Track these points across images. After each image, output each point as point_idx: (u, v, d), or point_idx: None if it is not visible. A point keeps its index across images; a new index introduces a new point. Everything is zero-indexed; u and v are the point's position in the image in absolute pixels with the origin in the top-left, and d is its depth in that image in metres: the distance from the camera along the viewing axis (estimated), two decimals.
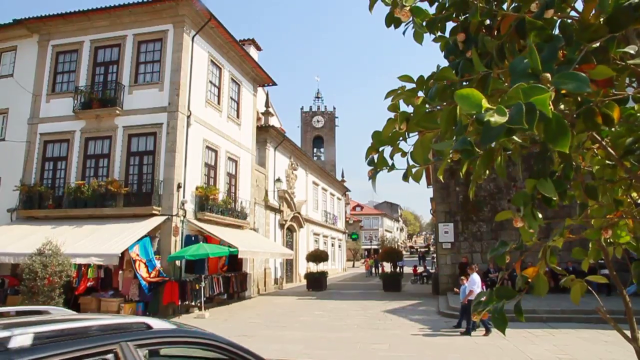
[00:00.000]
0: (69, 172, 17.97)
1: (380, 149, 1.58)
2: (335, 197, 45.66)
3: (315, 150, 63.24)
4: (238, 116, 22.79)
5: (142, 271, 15.28)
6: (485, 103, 1.09)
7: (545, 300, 14.43)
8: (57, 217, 17.24)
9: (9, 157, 18.61)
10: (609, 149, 1.64)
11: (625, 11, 1.32)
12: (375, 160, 1.58)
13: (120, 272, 15.94)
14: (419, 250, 77.64)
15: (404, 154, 1.54)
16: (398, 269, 25.30)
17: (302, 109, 65.96)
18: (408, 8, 1.60)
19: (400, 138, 1.50)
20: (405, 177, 1.67)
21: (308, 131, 64.40)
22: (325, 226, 40.40)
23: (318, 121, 64.65)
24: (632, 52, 1.40)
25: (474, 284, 12.15)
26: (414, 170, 1.52)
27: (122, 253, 14.33)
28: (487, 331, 11.73)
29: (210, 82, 20.15)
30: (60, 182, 18.05)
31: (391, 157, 1.60)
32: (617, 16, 1.32)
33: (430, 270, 32.12)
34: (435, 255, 31.05)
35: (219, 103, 20.79)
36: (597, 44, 1.36)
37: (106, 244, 14.61)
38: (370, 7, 1.71)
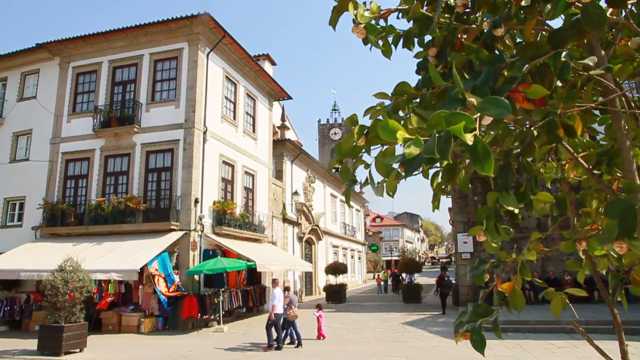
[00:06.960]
0: (89, 189, 18.37)
1: (344, 161, 1.58)
2: (354, 208, 45.51)
3: None
4: (254, 130, 23.00)
5: (162, 286, 15.44)
6: (401, 135, 1.10)
7: (569, 311, 14.04)
8: (79, 234, 17.60)
9: (33, 177, 19.15)
10: (580, 160, 1.62)
11: (564, 28, 1.33)
12: (340, 172, 1.59)
13: (140, 287, 16.15)
14: (440, 260, 76.66)
15: (367, 165, 1.53)
16: (406, 280, 25.59)
17: (319, 121, 66.51)
18: (363, 25, 1.62)
19: (364, 150, 1.49)
20: (379, 192, 1.65)
21: (326, 143, 64.69)
22: (344, 238, 40.24)
23: (335, 133, 64.93)
24: (591, 63, 1.40)
25: (275, 298, 12.10)
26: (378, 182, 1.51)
27: (142, 268, 14.53)
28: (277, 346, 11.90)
29: (226, 97, 20.42)
30: (81, 200, 18.45)
31: (354, 170, 1.59)
32: (558, 33, 1.33)
33: (453, 281, 31.51)
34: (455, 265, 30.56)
35: (234, 118, 21.03)
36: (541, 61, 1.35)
37: (126, 259, 14.85)
38: (333, 23, 1.72)
